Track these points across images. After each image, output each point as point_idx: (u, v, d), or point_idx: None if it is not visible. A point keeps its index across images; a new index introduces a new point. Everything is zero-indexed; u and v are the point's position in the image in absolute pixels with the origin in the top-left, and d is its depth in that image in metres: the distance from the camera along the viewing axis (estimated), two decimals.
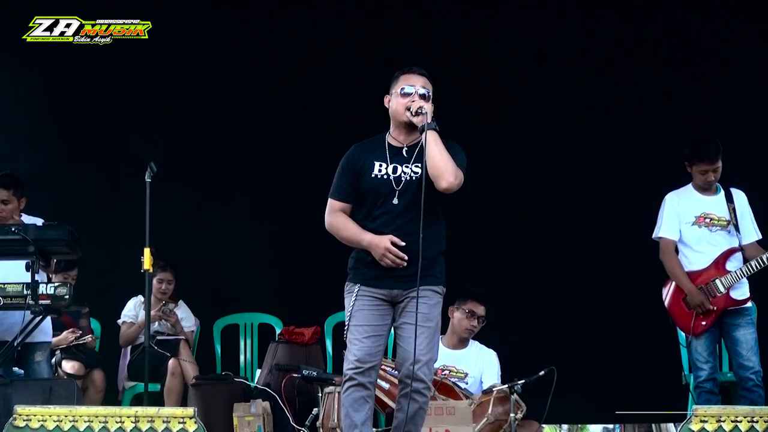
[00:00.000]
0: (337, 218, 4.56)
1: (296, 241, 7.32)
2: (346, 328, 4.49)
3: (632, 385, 6.29)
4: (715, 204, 5.92)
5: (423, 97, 4.52)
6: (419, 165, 4.47)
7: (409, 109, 4.48)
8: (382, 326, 4.47)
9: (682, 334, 6.08)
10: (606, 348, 7.05)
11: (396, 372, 5.58)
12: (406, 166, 4.50)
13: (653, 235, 6.01)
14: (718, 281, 5.81)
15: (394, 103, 4.56)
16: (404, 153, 4.52)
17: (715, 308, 5.78)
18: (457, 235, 7.15)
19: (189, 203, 7.38)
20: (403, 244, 4.38)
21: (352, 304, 4.48)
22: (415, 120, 4.47)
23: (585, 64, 7.36)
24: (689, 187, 6.00)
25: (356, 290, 4.49)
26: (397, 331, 4.50)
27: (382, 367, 5.48)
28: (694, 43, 7.28)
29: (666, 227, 5.96)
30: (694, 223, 5.91)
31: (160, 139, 7.18)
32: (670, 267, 5.93)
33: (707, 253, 5.88)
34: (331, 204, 4.59)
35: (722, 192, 5.95)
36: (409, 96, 4.51)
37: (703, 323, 5.81)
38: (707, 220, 5.90)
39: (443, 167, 4.40)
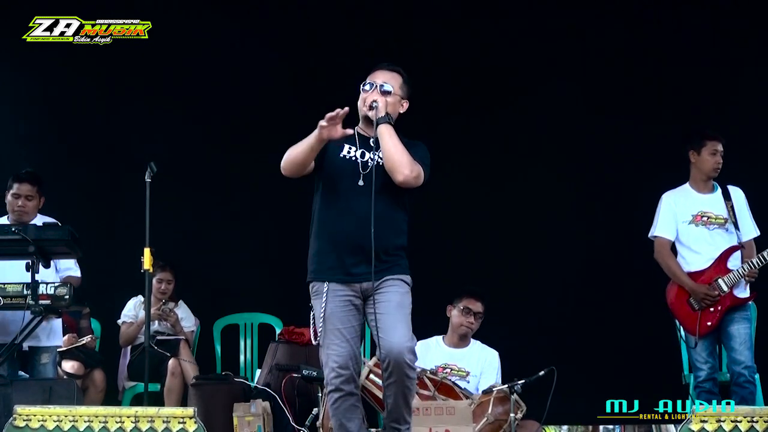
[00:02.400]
0: (291, 149, 4.50)
1: (296, 241, 7.28)
2: (319, 331, 4.42)
3: (632, 386, 6.28)
4: (712, 202, 5.92)
5: (384, 92, 4.54)
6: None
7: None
8: (357, 326, 4.44)
9: (683, 335, 6.08)
10: (606, 348, 7.05)
11: None
12: (374, 153, 4.51)
13: (649, 234, 6.01)
14: (720, 281, 5.80)
15: (360, 97, 4.61)
16: (371, 143, 4.53)
17: (720, 300, 5.78)
18: (457, 235, 7.26)
19: (189, 203, 7.37)
20: (347, 109, 4.36)
21: (323, 306, 4.42)
22: (370, 114, 4.51)
23: (583, 62, 7.35)
24: (686, 186, 6.00)
25: (325, 290, 4.43)
26: (376, 324, 4.37)
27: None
28: (694, 42, 7.26)
29: (662, 226, 5.96)
30: (691, 222, 5.90)
31: (160, 139, 7.18)
32: (666, 266, 5.93)
33: (705, 252, 5.87)
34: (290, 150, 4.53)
35: (719, 190, 5.95)
36: (368, 91, 4.56)
37: (708, 323, 5.81)
38: (704, 219, 5.89)
39: (398, 160, 4.40)
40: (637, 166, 7.19)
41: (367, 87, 4.57)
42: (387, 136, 4.44)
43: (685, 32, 7.29)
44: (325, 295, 4.43)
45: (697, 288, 5.81)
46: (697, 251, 5.89)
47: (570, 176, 7.32)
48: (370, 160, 4.49)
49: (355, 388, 4.42)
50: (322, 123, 4.36)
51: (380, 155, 4.48)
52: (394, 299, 4.41)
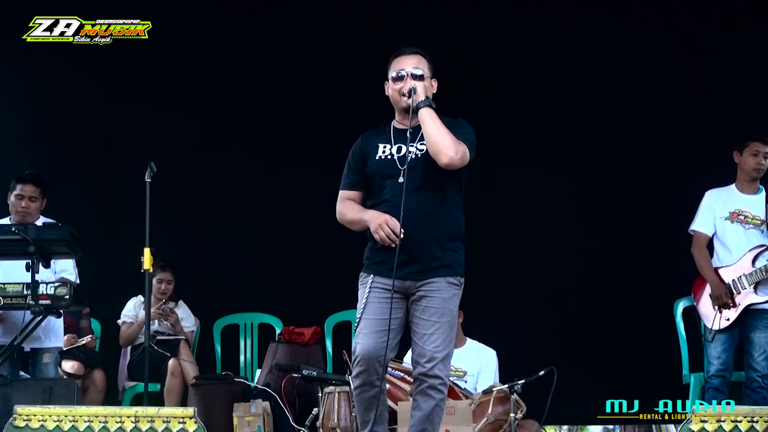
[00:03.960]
0: (343, 205, 4.51)
1: (296, 240, 7.32)
2: (357, 319, 4.40)
3: (632, 386, 6.29)
4: (753, 203, 5.98)
5: (416, 77, 4.45)
6: (424, 143, 4.40)
7: (403, 94, 4.43)
8: (392, 320, 4.31)
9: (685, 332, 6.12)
10: (606, 348, 7.05)
11: (396, 372, 5.61)
12: (411, 145, 4.40)
13: (689, 229, 6.07)
14: (743, 278, 5.85)
15: (390, 89, 4.51)
16: (408, 134, 4.42)
17: (731, 304, 5.82)
18: None
19: (189, 203, 7.38)
20: (399, 232, 4.27)
21: (365, 295, 4.37)
22: (410, 101, 4.40)
23: (584, 60, 7.34)
24: (731, 186, 6.06)
25: (369, 281, 4.38)
26: (411, 327, 4.38)
27: None
28: (704, 38, 7.24)
29: (700, 221, 6.03)
30: (727, 218, 5.97)
31: (160, 139, 7.18)
32: (697, 260, 6.00)
33: (737, 250, 5.92)
34: (340, 195, 4.55)
35: (763, 193, 6.02)
36: (401, 80, 4.45)
37: (728, 319, 5.85)
38: (741, 217, 5.95)
39: (441, 142, 4.31)
40: (639, 166, 7.19)
41: (400, 75, 4.45)
42: (429, 119, 4.35)
43: (694, 29, 7.25)
44: (368, 286, 4.38)
45: (716, 287, 5.87)
46: (729, 248, 5.95)
47: (571, 176, 7.31)
48: (408, 154, 4.40)
49: (377, 380, 4.32)
50: (382, 234, 4.29)
51: (418, 146, 4.40)
52: (436, 305, 4.34)
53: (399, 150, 4.44)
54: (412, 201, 4.31)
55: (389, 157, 4.44)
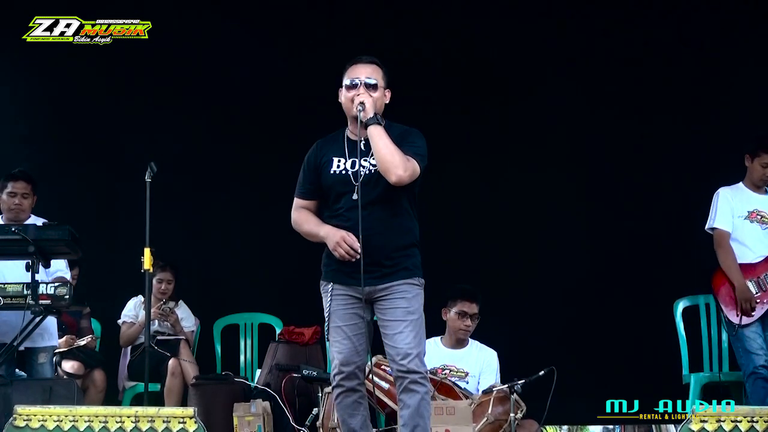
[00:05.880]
0: (299, 214, 4.62)
1: (296, 240, 7.25)
2: (326, 328, 4.47)
3: (632, 386, 6.29)
4: (766, 203, 5.98)
5: (369, 87, 4.48)
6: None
7: (353, 101, 4.46)
8: (361, 324, 4.42)
9: (695, 329, 6.20)
10: (606, 348, 7.05)
11: None
12: (365, 160, 4.45)
13: (706, 227, 6.04)
14: None
15: (343, 97, 4.54)
16: (362, 146, 4.46)
17: (759, 302, 5.81)
18: (457, 233, 7.25)
19: (189, 203, 7.38)
20: (358, 246, 4.33)
21: (328, 304, 4.46)
22: (360, 115, 4.43)
23: (585, 59, 7.34)
24: (741, 184, 6.05)
25: (330, 289, 4.46)
26: (381, 330, 4.43)
27: (382, 367, 5.49)
28: (702, 35, 7.24)
29: (720, 218, 5.99)
30: (746, 218, 5.96)
31: (160, 139, 7.18)
32: (724, 258, 5.94)
33: (756, 249, 5.92)
34: (295, 202, 4.65)
35: None
36: (354, 88, 4.49)
37: (753, 313, 5.83)
38: (759, 217, 5.96)
39: (390, 161, 4.34)
40: (639, 168, 7.19)
41: (353, 83, 4.48)
42: (377, 137, 4.38)
43: (694, 27, 7.25)
44: (330, 295, 4.46)
45: (744, 291, 5.83)
46: (748, 247, 5.93)
47: (572, 175, 7.32)
48: (361, 169, 4.44)
49: (359, 384, 4.42)
50: (341, 251, 4.36)
51: (371, 161, 4.43)
52: (402, 305, 4.39)
53: (353, 165, 4.47)
54: (365, 216, 4.36)
55: (343, 172, 4.48)
